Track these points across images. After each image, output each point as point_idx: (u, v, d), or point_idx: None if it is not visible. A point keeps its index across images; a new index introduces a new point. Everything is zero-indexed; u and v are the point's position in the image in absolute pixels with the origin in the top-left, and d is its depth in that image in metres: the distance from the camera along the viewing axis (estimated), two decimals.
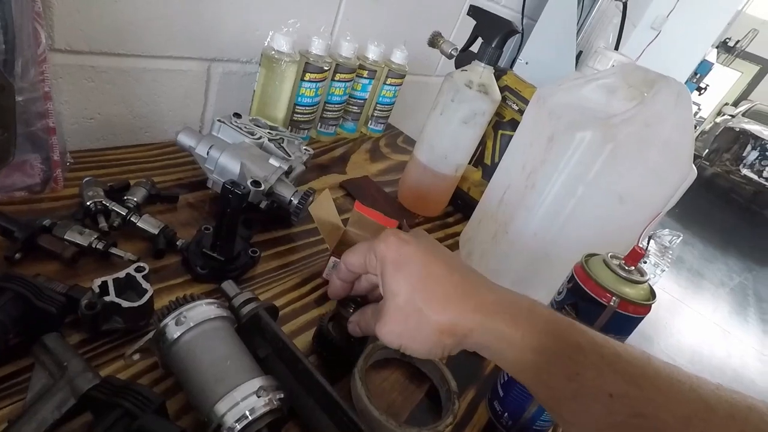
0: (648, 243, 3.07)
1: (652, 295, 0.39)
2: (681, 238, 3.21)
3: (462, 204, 0.82)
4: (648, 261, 2.88)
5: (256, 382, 0.34)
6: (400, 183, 0.80)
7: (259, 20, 0.73)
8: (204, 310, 0.37)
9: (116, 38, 0.59)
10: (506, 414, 0.45)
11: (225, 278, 0.47)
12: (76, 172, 0.54)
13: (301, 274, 0.56)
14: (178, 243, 0.50)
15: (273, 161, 0.59)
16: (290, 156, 0.64)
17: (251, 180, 0.54)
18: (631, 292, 0.38)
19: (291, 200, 0.58)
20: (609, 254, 0.39)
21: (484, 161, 0.82)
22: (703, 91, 4.36)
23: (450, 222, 0.80)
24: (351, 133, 0.93)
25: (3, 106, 0.43)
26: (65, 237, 0.44)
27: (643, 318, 0.38)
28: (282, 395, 0.34)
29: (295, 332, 0.48)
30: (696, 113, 6.56)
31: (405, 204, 0.78)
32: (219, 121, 0.62)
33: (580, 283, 0.39)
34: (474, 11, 0.69)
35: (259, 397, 0.33)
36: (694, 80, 4.11)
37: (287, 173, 0.60)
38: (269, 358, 0.40)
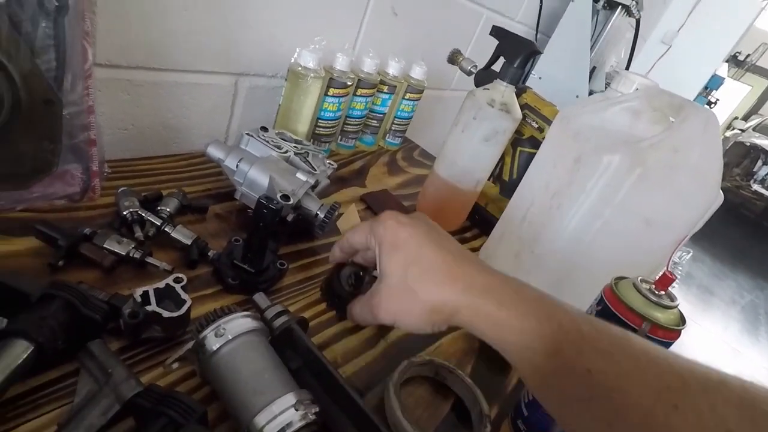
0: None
1: (682, 320, 0.39)
2: (691, 254, 3.19)
3: (479, 219, 0.83)
4: None
5: (294, 396, 0.35)
6: (419, 197, 0.81)
7: (286, 36, 0.75)
8: (241, 322, 0.38)
9: (151, 53, 0.61)
10: None
11: (254, 290, 0.48)
12: (110, 182, 0.56)
13: None
14: (209, 254, 0.51)
15: (300, 175, 0.60)
16: (315, 170, 0.65)
17: (281, 194, 0.55)
18: (661, 316, 0.38)
19: (317, 214, 0.59)
20: (639, 278, 0.40)
21: (502, 177, 0.83)
22: (713, 105, 4.35)
23: (468, 237, 0.81)
24: (369, 146, 0.95)
25: (52, 120, 0.45)
26: (105, 246, 0.46)
27: (672, 343, 0.39)
28: (317, 409, 0.35)
29: (322, 346, 0.48)
30: None
31: None
32: (247, 134, 0.64)
33: (610, 306, 0.39)
34: (497, 32, 0.71)
35: (296, 410, 0.34)
36: (705, 94, 4.11)
37: (313, 187, 0.62)
38: (300, 370, 0.41)
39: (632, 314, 0.38)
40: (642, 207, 0.45)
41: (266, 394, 0.34)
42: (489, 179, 0.84)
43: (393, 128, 0.97)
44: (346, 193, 0.78)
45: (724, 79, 4.76)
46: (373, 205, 0.76)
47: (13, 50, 0.40)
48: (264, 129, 0.66)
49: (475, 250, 0.76)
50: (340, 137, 0.87)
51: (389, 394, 0.43)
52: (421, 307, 0.35)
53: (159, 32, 0.60)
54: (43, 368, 0.35)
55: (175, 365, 0.38)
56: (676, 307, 0.39)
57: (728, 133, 6.04)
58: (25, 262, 0.43)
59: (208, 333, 0.37)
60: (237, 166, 0.60)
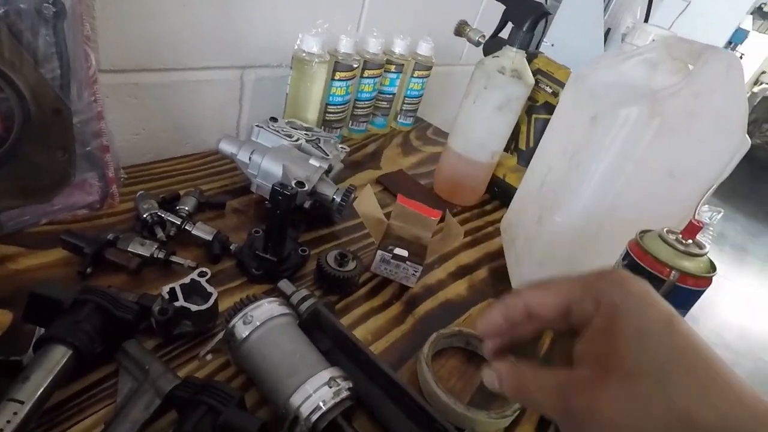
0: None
1: (713, 267, 0.38)
2: (722, 213, 3.09)
3: (499, 191, 0.81)
4: None
5: (326, 374, 0.35)
6: (435, 174, 0.80)
7: (287, 24, 0.74)
8: (268, 308, 0.39)
9: (154, 54, 0.61)
10: None
11: (278, 278, 0.49)
12: (128, 187, 0.57)
13: None
14: (231, 247, 0.52)
15: (313, 161, 0.60)
16: (328, 155, 0.65)
17: (295, 181, 0.55)
18: (690, 265, 0.37)
19: (333, 198, 0.59)
20: (665, 229, 0.39)
21: (518, 147, 0.81)
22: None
23: (488, 210, 0.79)
24: (381, 129, 0.94)
25: (62, 129, 0.45)
26: (129, 249, 0.46)
27: (704, 291, 0.38)
28: (351, 384, 0.35)
29: (351, 326, 0.49)
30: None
31: (441, 195, 0.78)
32: (257, 126, 0.64)
33: (637, 260, 0.38)
34: None
35: (330, 387, 0.34)
36: (729, 49, 3.95)
37: (327, 172, 0.62)
38: (331, 351, 0.42)
39: (659, 265, 0.37)
40: (664, 159, 0.43)
41: (299, 374, 0.35)
42: (506, 150, 0.82)
43: (404, 108, 0.96)
44: (361, 177, 0.77)
45: (748, 32, 4.54)
46: (390, 186, 0.76)
47: (17, 61, 0.40)
48: (273, 119, 0.66)
49: (497, 222, 0.75)
50: (350, 122, 0.86)
51: (422, 366, 0.43)
52: (668, 420, 0.21)
53: (160, 32, 0.60)
54: (84, 372, 0.36)
55: (209, 357, 0.39)
56: (705, 254, 0.37)
57: (756, 89, 5.76)
58: (55, 272, 0.44)
59: (237, 322, 0.38)
60: (250, 158, 0.60)
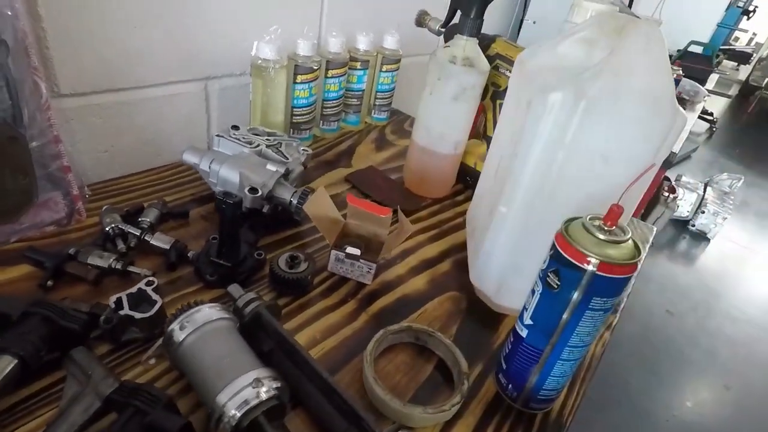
0: (705, 191, 2.85)
1: (637, 251, 0.38)
2: (743, 180, 2.96)
3: (471, 180, 0.81)
4: (706, 210, 2.69)
5: (252, 374, 0.36)
6: (404, 168, 0.81)
7: (245, 32, 0.75)
8: (206, 313, 0.41)
9: (114, 75, 0.64)
10: (510, 385, 0.45)
11: (233, 282, 0.51)
12: (96, 202, 0.60)
13: None
14: (189, 255, 0.54)
15: (270, 166, 0.62)
16: (288, 159, 0.66)
17: (249, 187, 0.57)
18: (613, 252, 0.37)
19: (291, 201, 0.60)
20: (588, 216, 0.38)
21: (486, 134, 0.80)
22: (751, 14, 3.90)
23: (459, 200, 0.80)
24: (355, 126, 0.94)
25: (19, 155, 0.48)
26: (88, 261, 0.49)
27: (630, 277, 0.37)
28: (278, 384, 0.37)
29: (302, 326, 0.50)
30: (750, 40, 5.92)
31: (411, 188, 0.78)
32: (218, 135, 0.66)
33: (560, 250, 0.38)
34: None
35: (254, 388, 0.36)
36: (739, 4, 3.73)
37: (285, 176, 0.63)
38: (273, 352, 0.43)
39: (580, 254, 0.36)
40: (595, 143, 0.42)
41: (227, 375, 0.36)
42: (477, 137, 0.82)
43: (377, 103, 0.96)
44: (331, 176, 0.78)
45: None
46: (359, 184, 0.77)
47: None
48: (235, 128, 0.68)
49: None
50: (321, 122, 0.88)
51: (364, 364, 0.44)
52: None
53: (115, 54, 0.62)
54: (32, 379, 0.39)
55: (152, 361, 0.41)
56: (628, 240, 0.37)
57: None
58: (20, 286, 0.47)
59: (174, 326, 0.40)
60: (210, 167, 0.62)
